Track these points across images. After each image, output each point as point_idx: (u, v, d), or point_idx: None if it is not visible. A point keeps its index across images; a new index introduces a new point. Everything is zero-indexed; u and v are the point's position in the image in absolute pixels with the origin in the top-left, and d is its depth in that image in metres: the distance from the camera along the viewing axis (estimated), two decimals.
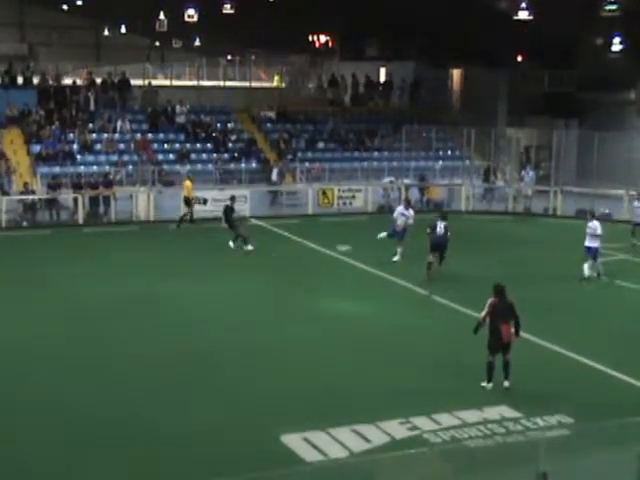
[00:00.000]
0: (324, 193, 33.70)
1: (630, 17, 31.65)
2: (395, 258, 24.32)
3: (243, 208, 30.71)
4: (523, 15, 32.25)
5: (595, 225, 22.61)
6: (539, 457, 9.68)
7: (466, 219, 32.45)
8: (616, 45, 35.29)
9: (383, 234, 24.63)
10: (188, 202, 30.15)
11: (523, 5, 32.02)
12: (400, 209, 24.80)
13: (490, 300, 14.72)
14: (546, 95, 39.29)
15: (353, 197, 34.15)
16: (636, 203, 27.92)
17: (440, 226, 22.46)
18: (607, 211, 32.56)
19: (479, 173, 37.04)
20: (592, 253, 22.58)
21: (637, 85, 36.24)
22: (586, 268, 22.57)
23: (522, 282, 21.53)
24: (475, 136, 35.61)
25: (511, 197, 34.52)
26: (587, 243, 22.62)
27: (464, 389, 14.63)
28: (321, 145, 38.61)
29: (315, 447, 12.23)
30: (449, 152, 38.93)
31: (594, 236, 22.50)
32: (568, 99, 39.27)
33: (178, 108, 37.77)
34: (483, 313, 14.74)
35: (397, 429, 12.88)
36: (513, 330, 14.54)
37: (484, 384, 14.62)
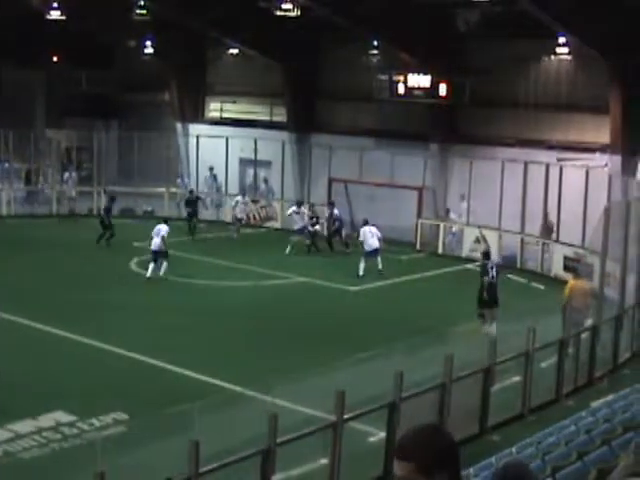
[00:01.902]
0: None
1: (159, 22, 32.81)
2: None
3: None
4: (55, 15, 31.79)
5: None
6: (96, 457, 9.70)
7: (9, 224, 31.57)
8: (148, 48, 36.34)
9: None
10: None
11: (55, 5, 31.56)
12: None
13: None
14: (85, 96, 39.18)
15: None
16: (294, 208, 28.60)
17: None
18: (150, 208, 33.63)
19: (20, 176, 35.97)
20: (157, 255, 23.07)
21: (170, 87, 37.65)
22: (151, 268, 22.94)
23: (65, 284, 21.44)
24: (13, 138, 34.37)
25: (55, 199, 34.00)
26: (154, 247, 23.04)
27: (15, 400, 14.11)
28: None
29: None
30: None
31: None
32: (107, 100, 39.61)
33: None
34: None
35: None
36: None
37: None
